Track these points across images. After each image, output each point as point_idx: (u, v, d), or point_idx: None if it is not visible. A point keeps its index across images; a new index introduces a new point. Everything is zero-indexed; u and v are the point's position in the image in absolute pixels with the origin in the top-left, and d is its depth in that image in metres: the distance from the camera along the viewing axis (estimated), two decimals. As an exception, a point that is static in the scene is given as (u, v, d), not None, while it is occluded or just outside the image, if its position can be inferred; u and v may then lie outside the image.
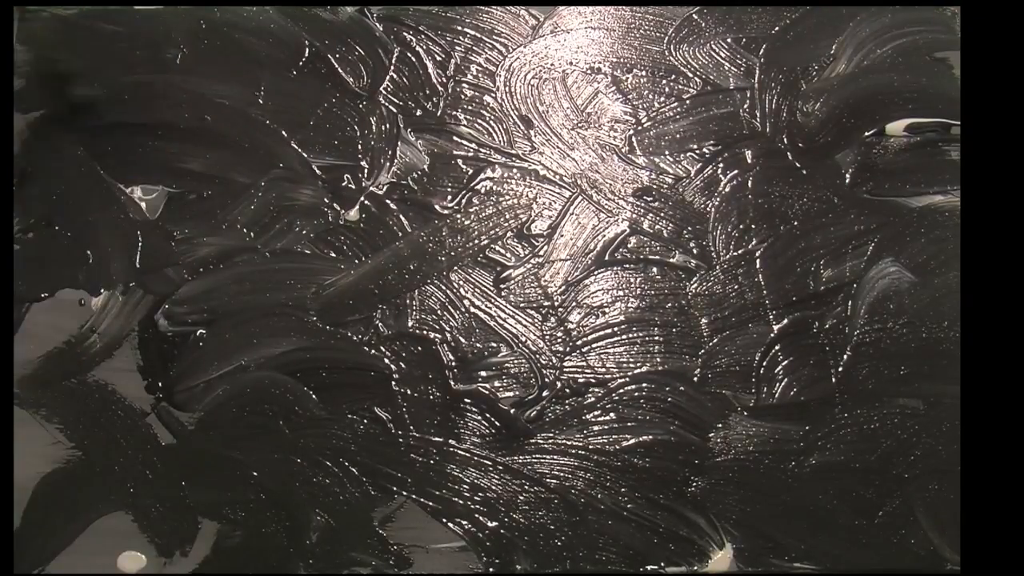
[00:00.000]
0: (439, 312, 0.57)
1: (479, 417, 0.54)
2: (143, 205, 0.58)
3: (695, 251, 0.59)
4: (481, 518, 0.52)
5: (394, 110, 0.62)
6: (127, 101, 0.60)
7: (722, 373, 0.56)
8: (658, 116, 0.63)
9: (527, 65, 0.64)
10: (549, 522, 0.52)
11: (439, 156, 0.61)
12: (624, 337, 0.57)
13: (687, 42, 0.65)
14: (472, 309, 0.57)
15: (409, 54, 0.63)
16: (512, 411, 0.54)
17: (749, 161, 0.62)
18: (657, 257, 0.59)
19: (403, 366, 0.55)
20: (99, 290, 0.55)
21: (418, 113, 0.62)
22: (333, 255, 0.58)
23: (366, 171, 0.60)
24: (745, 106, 0.63)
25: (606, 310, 0.57)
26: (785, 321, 0.57)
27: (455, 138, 0.61)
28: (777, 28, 0.66)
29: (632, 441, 0.54)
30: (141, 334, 0.55)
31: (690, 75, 0.64)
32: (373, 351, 0.55)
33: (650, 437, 0.54)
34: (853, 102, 0.64)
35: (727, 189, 0.61)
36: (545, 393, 0.55)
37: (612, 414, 0.55)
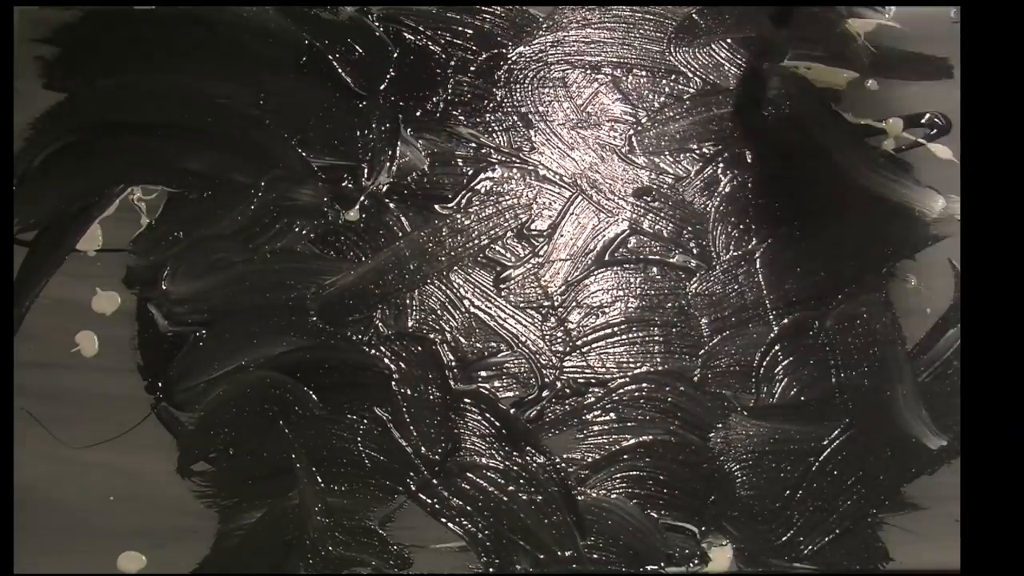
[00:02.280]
0: (439, 312, 0.57)
1: (479, 417, 0.54)
2: (143, 206, 0.58)
3: (695, 251, 0.59)
4: (481, 518, 0.52)
5: (394, 110, 0.62)
6: (127, 101, 0.60)
7: (722, 373, 0.56)
8: (658, 116, 0.63)
9: (527, 65, 0.64)
10: (549, 522, 0.52)
11: (439, 156, 0.61)
12: (624, 337, 0.57)
13: (687, 42, 0.65)
14: (472, 309, 0.57)
15: (409, 54, 0.63)
16: (512, 411, 0.54)
17: (749, 161, 0.62)
18: (657, 257, 0.59)
19: (403, 366, 0.55)
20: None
21: (418, 113, 0.62)
22: (333, 255, 0.58)
23: (366, 171, 0.60)
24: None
25: (606, 310, 0.57)
26: (785, 321, 0.57)
27: (455, 138, 0.61)
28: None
29: (632, 441, 0.54)
30: (141, 334, 0.55)
31: (690, 75, 0.64)
32: (373, 351, 0.55)
33: (650, 437, 0.54)
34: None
35: (727, 189, 0.61)
36: (545, 393, 0.55)
37: (612, 414, 0.55)
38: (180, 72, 0.61)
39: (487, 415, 0.54)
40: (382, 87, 0.62)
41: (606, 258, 0.59)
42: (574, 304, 0.57)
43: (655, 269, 0.59)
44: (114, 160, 0.59)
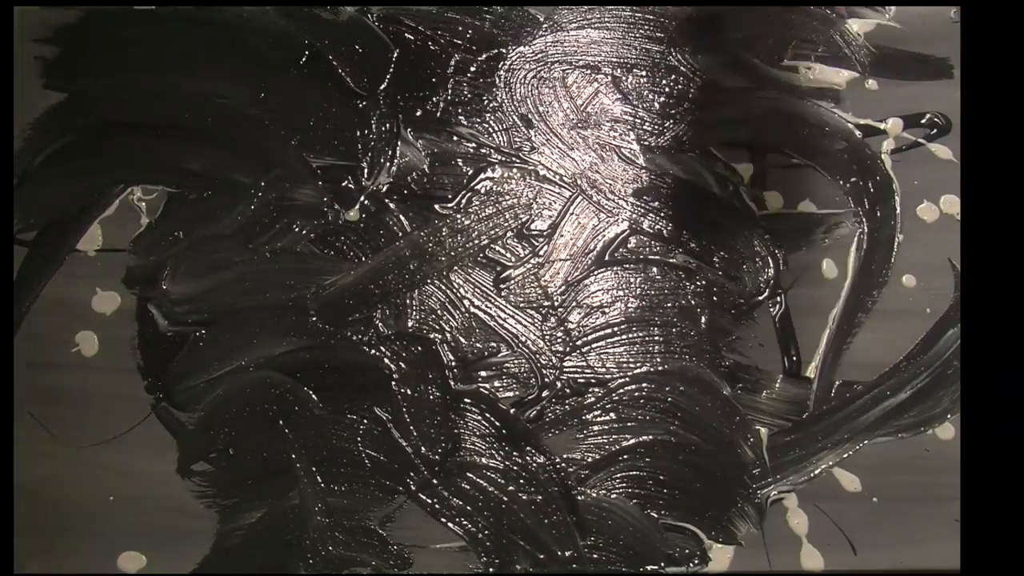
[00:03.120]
0: (439, 312, 0.57)
1: (479, 417, 0.54)
2: (143, 206, 0.58)
3: (695, 251, 0.59)
4: (481, 518, 0.52)
5: (394, 110, 0.62)
6: (127, 101, 0.60)
7: (723, 373, 0.56)
8: (658, 116, 0.63)
9: (527, 65, 0.64)
10: (549, 522, 0.52)
11: (439, 156, 0.61)
12: (624, 337, 0.57)
13: (687, 42, 0.65)
14: (472, 309, 0.57)
15: (409, 54, 0.63)
16: (512, 411, 0.54)
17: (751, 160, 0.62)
18: (657, 257, 0.59)
19: (403, 366, 0.55)
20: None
21: (418, 113, 0.62)
22: (333, 255, 0.58)
23: (366, 171, 0.60)
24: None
25: (606, 310, 0.57)
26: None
27: (455, 138, 0.61)
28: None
29: (632, 441, 0.54)
30: (141, 334, 0.55)
31: (690, 75, 0.64)
32: (373, 351, 0.55)
33: (650, 437, 0.54)
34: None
35: (727, 187, 0.61)
36: (545, 393, 0.55)
37: (612, 414, 0.55)
38: (180, 72, 0.61)
39: (487, 415, 0.54)
40: (382, 87, 0.62)
41: (606, 258, 0.59)
42: (574, 304, 0.57)
43: (655, 269, 0.59)
44: (114, 160, 0.59)
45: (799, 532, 0.53)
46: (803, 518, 0.53)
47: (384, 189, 0.60)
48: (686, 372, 0.56)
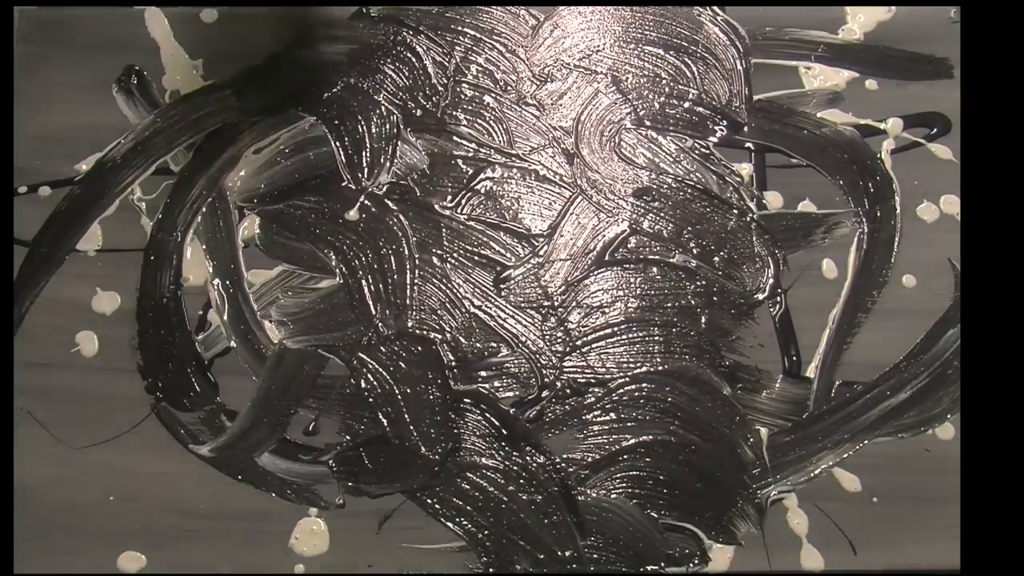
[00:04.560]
0: (439, 312, 0.57)
1: (479, 417, 0.54)
2: (143, 206, 0.58)
3: (695, 251, 0.59)
4: (481, 518, 0.52)
5: (394, 110, 0.62)
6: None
7: (723, 373, 0.56)
8: (659, 115, 0.63)
9: (527, 65, 0.64)
10: (549, 522, 0.52)
11: (439, 156, 0.61)
12: (624, 337, 0.57)
13: (687, 42, 0.65)
14: (472, 309, 0.57)
15: (409, 54, 0.63)
16: (512, 411, 0.54)
17: (752, 160, 0.62)
18: (657, 257, 0.59)
19: (403, 366, 0.55)
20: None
21: (418, 113, 0.62)
22: (333, 255, 0.58)
23: (366, 171, 0.60)
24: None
25: (606, 310, 0.57)
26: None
27: (455, 138, 0.61)
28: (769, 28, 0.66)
29: (632, 441, 0.54)
30: (141, 334, 0.55)
31: (690, 75, 0.64)
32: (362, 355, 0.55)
33: (650, 437, 0.54)
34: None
35: (728, 187, 0.61)
36: (545, 393, 0.55)
37: (612, 414, 0.55)
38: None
39: (487, 415, 0.54)
40: (382, 87, 0.62)
41: (606, 258, 0.59)
42: (574, 304, 0.57)
43: (655, 269, 0.59)
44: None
45: (799, 532, 0.53)
46: (803, 518, 0.53)
47: (384, 189, 0.60)
48: (686, 372, 0.56)
